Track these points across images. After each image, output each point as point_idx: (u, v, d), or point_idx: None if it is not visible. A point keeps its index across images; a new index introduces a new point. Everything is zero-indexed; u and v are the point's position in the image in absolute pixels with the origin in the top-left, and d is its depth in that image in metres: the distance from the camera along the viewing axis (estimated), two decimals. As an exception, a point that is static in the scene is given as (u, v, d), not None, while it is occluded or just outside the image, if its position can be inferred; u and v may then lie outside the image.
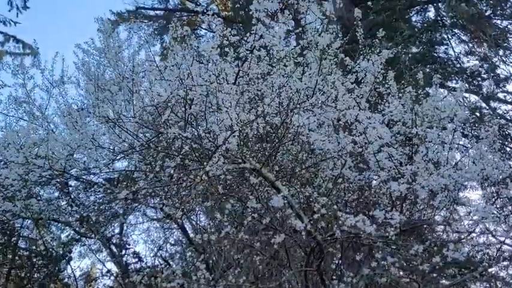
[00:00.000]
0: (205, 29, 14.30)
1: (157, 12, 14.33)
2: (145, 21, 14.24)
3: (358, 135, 3.47)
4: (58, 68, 6.40)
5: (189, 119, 3.94)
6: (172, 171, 3.48)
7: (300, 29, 3.82)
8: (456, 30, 10.07)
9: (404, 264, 3.73)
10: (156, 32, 14.26)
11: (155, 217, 7.66)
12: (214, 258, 4.74)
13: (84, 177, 5.42)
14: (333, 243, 3.99)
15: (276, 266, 4.44)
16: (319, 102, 3.56)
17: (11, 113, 6.19)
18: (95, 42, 6.18)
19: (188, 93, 3.70)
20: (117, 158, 4.80)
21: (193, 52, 3.97)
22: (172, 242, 8.50)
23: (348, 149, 3.40)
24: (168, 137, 3.71)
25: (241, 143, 3.37)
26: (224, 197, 3.71)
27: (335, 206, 3.22)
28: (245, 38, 3.64)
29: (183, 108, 3.90)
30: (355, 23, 4.73)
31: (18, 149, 4.46)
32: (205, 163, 2.99)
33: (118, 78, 5.47)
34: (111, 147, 4.89)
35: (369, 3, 10.07)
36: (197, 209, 5.42)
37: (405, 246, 3.22)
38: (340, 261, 4.46)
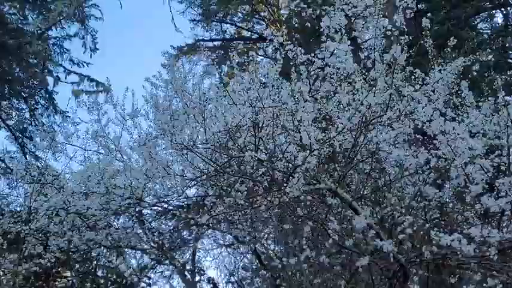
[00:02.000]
0: (262, 56, 14.54)
1: (215, 43, 14.86)
2: (205, 52, 14.81)
3: (441, 149, 3.26)
4: (128, 102, 6.77)
5: (258, 143, 3.94)
6: (248, 195, 3.47)
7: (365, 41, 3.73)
8: (529, 35, 9.41)
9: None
10: (214, 62, 14.73)
11: (226, 243, 7.68)
12: (291, 282, 4.62)
13: (158, 204, 5.58)
14: (417, 265, 3.73)
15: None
16: (396, 116, 3.40)
17: (88, 147, 6.59)
18: (162, 75, 6.49)
19: (258, 116, 3.71)
20: (191, 184, 4.90)
21: (255, 76, 4.01)
22: (245, 267, 8.44)
23: (431, 163, 3.20)
24: (241, 160, 3.72)
25: (319, 163, 3.30)
26: (301, 219, 3.62)
27: (427, 225, 3.01)
28: (312, 56, 3.62)
29: (252, 132, 3.91)
30: (423, 33, 4.55)
31: (99, 180, 4.69)
32: (285, 184, 2.94)
33: (185, 107, 5.66)
34: (184, 175, 5.01)
35: (429, 14, 9.71)
36: (271, 233, 5.36)
37: (507, 267, 2.92)
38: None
